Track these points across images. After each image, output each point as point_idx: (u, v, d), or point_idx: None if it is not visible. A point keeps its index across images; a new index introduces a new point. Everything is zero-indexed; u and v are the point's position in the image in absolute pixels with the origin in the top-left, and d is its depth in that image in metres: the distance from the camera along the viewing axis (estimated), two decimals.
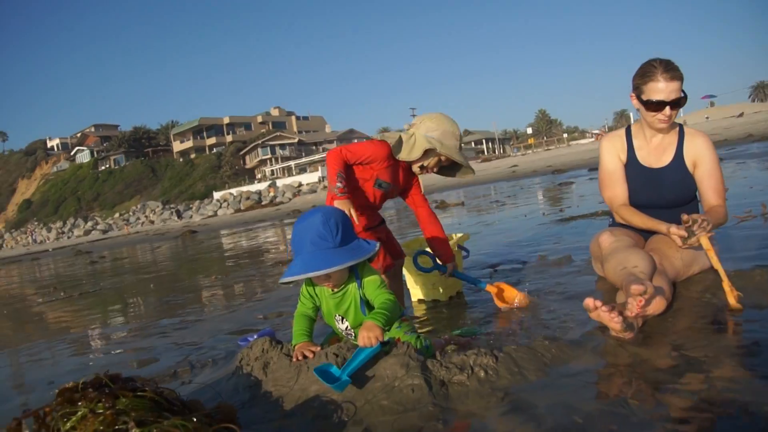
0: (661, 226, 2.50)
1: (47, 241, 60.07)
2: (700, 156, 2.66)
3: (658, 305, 2.09)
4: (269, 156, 73.12)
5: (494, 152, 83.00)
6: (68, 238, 59.61)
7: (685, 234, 2.33)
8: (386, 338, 2.17)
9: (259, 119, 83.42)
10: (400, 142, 2.67)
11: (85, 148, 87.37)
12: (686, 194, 2.74)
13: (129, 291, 6.87)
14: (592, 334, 2.10)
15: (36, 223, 74.83)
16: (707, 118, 45.33)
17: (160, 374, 2.78)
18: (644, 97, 2.55)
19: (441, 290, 3.19)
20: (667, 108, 2.51)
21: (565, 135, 77.37)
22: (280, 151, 74.49)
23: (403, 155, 2.66)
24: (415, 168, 2.79)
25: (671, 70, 2.48)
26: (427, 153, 2.71)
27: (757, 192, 5.35)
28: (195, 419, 1.65)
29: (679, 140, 2.72)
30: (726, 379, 1.60)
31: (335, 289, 2.06)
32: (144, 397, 1.77)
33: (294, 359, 2.04)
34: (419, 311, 3.14)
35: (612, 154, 2.83)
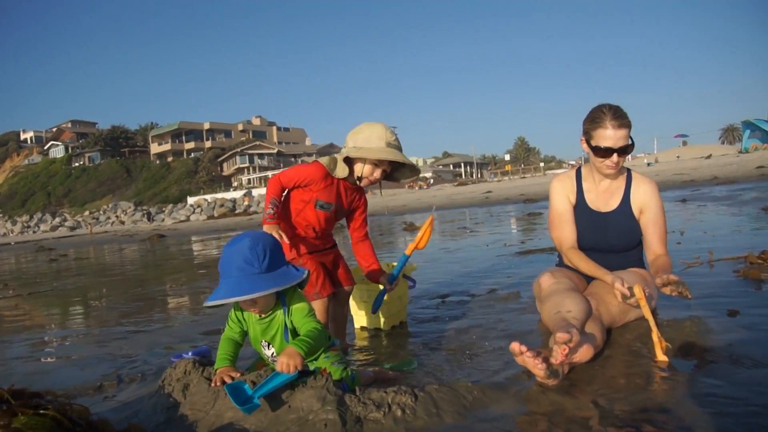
0: (606, 276, 2.52)
1: (11, 234, 58.44)
2: (645, 203, 2.72)
3: (585, 353, 2.09)
4: (247, 165, 72.68)
5: (472, 176, 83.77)
6: (33, 232, 58.10)
7: (627, 293, 2.35)
8: (312, 368, 2.15)
9: (240, 127, 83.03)
10: (332, 160, 2.66)
11: (60, 143, 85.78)
12: (632, 239, 2.78)
13: (81, 293, 6.69)
14: (518, 378, 2.09)
15: (0, 215, 72.89)
16: (678, 156, 46.65)
17: (85, 387, 2.69)
18: (593, 143, 2.60)
19: (383, 320, 3.16)
20: (615, 155, 2.56)
21: (542, 164, 78.56)
22: (259, 160, 74.11)
23: (335, 172, 2.66)
24: (360, 183, 2.75)
25: (619, 118, 2.54)
26: (356, 163, 2.69)
27: (709, 238, 5.46)
28: None
29: (626, 185, 2.78)
30: None
31: (262, 315, 2.02)
32: (45, 416, 1.71)
33: (213, 384, 1.99)
34: (360, 339, 3.10)
35: (562, 195, 2.87)
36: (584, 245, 2.79)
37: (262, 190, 57.72)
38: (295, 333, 2.03)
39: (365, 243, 2.94)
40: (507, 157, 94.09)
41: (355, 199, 2.85)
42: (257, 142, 76.14)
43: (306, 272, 1.96)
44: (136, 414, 2.21)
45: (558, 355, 1.92)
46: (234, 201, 53.93)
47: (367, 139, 2.65)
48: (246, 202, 52.22)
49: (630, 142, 2.58)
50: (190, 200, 59.97)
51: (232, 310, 2.13)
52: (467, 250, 6.87)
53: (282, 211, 2.72)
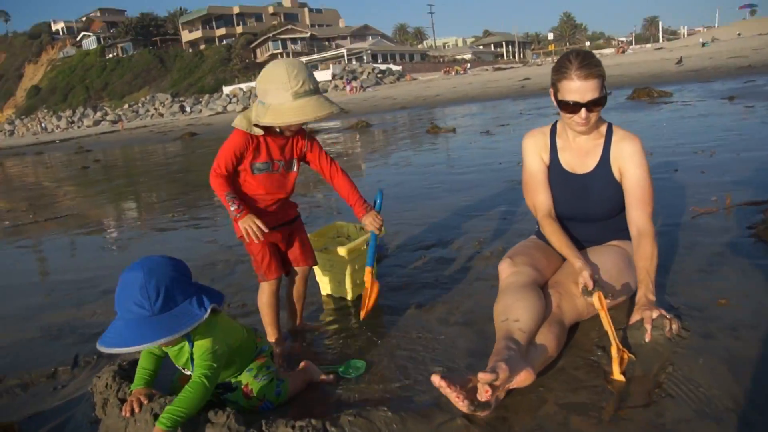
0: (576, 261, 2.24)
1: (57, 130, 60.12)
2: (626, 162, 2.35)
3: (524, 378, 1.87)
4: (280, 50, 70.89)
5: (514, 56, 79.79)
6: (78, 127, 59.64)
7: (590, 286, 2.09)
8: (233, 381, 2.02)
9: (271, 10, 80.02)
10: (246, 120, 2.31)
11: (91, 34, 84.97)
12: (613, 206, 2.45)
13: (93, 221, 6.76)
14: (448, 404, 1.90)
15: (45, 110, 74.46)
16: (739, 34, 42.09)
17: (39, 371, 2.63)
18: (559, 96, 2.25)
19: (348, 289, 2.99)
20: (583, 110, 2.19)
21: (588, 43, 73.52)
22: (292, 45, 72.11)
23: (252, 131, 2.31)
24: (285, 134, 2.40)
25: (586, 67, 2.15)
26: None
27: (741, 163, 4.89)
28: None
29: (605, 143, 2.41)
30: None
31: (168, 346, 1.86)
32: None
33: (125, 407, 1.88)
34: (322, 314, 2.95)
35: (533, 154, 2.53)
36: (560, 212, 2.49)
37: None
38: None
39: (339, 177, 2.55)
40: (550, 36, 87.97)
41: (293, 144, 2.46)
42: (289, 26, 73.58)
43: (206, 312, 1.74)
44: (68, 421, 2.16)
45: (482, 393, 1.72)
46: None
47: (267, 92, 2.22)
48: None
49: (602, 94, 2.20)
50: (226, 90, 59.54)
51: None
52: (476, 171, 6.50)
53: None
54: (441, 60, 73.43)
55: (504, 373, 1.76)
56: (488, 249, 3.50)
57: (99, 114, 64.33)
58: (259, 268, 2.47)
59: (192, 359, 1.83)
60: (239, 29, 76.36)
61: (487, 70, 48.60)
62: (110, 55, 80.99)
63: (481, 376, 1.72)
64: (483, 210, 4.54)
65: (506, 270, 2.37)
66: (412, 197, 5.47)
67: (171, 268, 1.75)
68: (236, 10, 77.35)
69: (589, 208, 2.46)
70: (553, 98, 2.34)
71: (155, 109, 60.46)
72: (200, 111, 52.01)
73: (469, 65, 63.21)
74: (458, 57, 75.68)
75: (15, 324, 3.29)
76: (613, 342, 1.97)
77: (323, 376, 2.22)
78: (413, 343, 2.44)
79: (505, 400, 1.88)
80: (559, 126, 2.50)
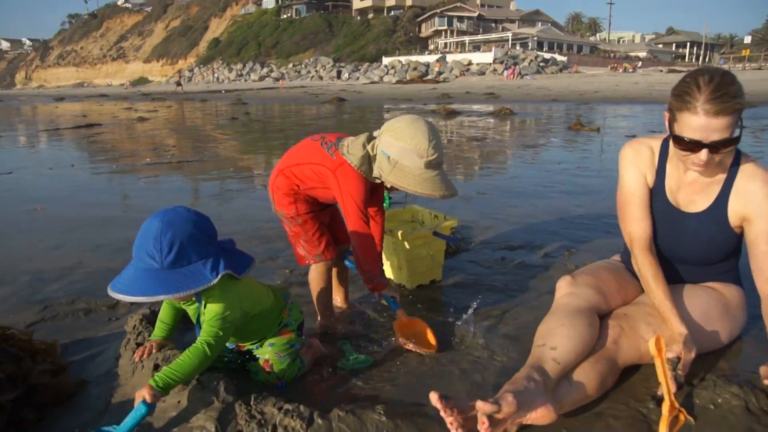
0: (672, 319, 1.85)
1: (226, 81, 65.59)
2: (755, 209, 1.88)
3: (541, 416, 1.63)
4: (445, 27, 70.68)
5: (697, 60, 72.34)
6: (245, 81, 64.57)
7: (691, 357, 1.78)
8: (256, 355, 1.99)
9: None
10: (363, 163, 2.16)
11: None
12: (720, 253, 2.04)
13: (223, 165, 7.23)
14: None
15: (221, 62, 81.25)
16: None
17: (105, 300, 2.72)
18: (676, 129, 1.80)
19: (407, 276, 2.84)
20: (704, 151, 1.75)
21: None
22: (458, 23, 71.50)
23: (368, 178, 2.20)
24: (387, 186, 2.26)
25: (719, 100, 1.67)
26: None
27: None
28: None
29: (728, 179, 1.95)
30: None
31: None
32: None
33: (136, 354, 1.93)
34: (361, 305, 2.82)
35: (635, 169, 2.08)
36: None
37: (457, 57, 56.16)
38: None
39: (377, 229, 2.48)
40: (748, 39, 77.90)
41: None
42: (458, 3, 72.81)
43: (215, 278, 1.65)
44: (102, 352, 2.26)
45: (479, 425, 1.51)
46: (427, 65, 53.40)
47: (403, 153, 2.06)
48: (437, 68, 51.40)
49: (734, 134, 1.72)
50: (385, 60, 60.74)
51: None
52: (601, 176, 5.94)
53: (305, 172, 2.28)
54: (611, 55, 68.60)
55: (509, 408, 1.53)
56: (575, 262, 3.16)
57: (265, 70, 69.07)
58: (315, 248, 2.35)
59: (198, 319, 1.80)
60: (408, 2, 77.05)
61: (661, 71, 44.48)
62: (284, 16, 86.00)
63: (479, 405, 1.51)
64: (590, 219, 4.12)
65: (562, 289, 2.09)
66: (520, 193, 5.13)
67: (192, 225, 1.67)
68: None
69: (688, 251, 2.06)
70: (666, 124, 1.89)
71: (316, 71, 63.46)
72: (357, 78, 53.65)
73: (640, 63, 58.39)
74: (631, 54, 70.25)
75: (109, 253, 3.55)
76: (666, 397, 1.65)
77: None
78: (447, 348, 2.25)
79: None
80: (671, 149, 2.02)
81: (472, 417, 1.57)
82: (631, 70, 48.81)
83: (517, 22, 73.78)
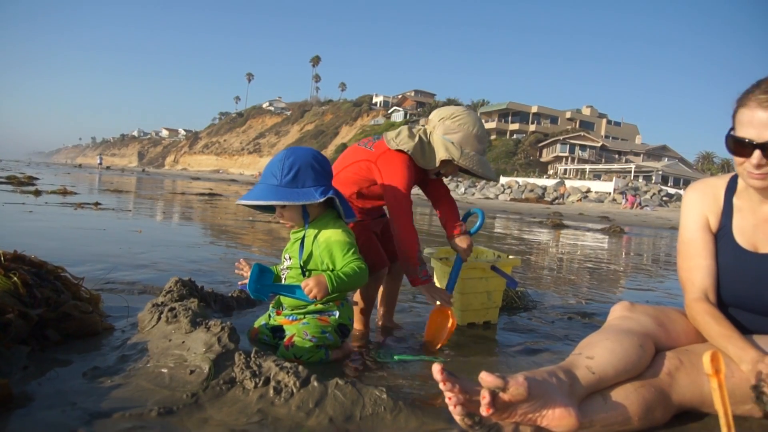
0: (747, 350, 1.56)
1: None
2: None
3: (559, 417, 1.41)
4: (567, 154, 70.79)
5: None
6: None
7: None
8: (287, 332, 2.03)
9: (568, 115, 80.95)
10: (417, 149, 2.26)
11: (401, 109, 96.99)
12: None
13: None
14: (452, 420, 1.53)
15: None
16: None
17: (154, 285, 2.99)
18: (733, 132, 1.65)
19: (458, 309, 2.70)
20: (757, 152, 1.55)
21: None
22: (580, 152, 71.40)
23: (420, 164, 2.29)
24: (431, 174, 2.38)
25: None
26: (444, 162, 2.30)
27: None
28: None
29: None
30: None
31: (292, 228, 2.06)
32: (9, 279, 1.92)
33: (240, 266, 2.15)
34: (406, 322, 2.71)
35: (697, 213, 1.89)
36: (724, 298, 1.82)
37: (576, 183, 55.54)
38: (310, 257, 1.98)
39: (446, 199, 2.53)
40: None
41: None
42: (582, 133, 73.24)
43: (327, 195, 1.90)
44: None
45: (481, 401, 1.34)
46: (545, 188, 53.19)
47: (466, 139, 2.27)
48: (562, 192, 50.82)
49: None
50: (503, 180, 61.44)
51: None
52: None
53: (347, 175, 2.37)
54: None
55: (516, 389, 1.35)
56: None
57: None
58: (366, 256, 2.35)
59: (301, 246, 1.99)
60: (532, 127, 78.78)
61: None
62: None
63: (483, 375, 1.35)
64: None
65: (616, 311, 1.87)
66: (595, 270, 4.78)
67: (311, 158, 1.95)
68: (534, 109, 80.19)
69: (761, 297, 1.76)
70: (725, 142, 1.69)
71: None
72: (473, 194, 54.51)
73: None
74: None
75: (183, 263, 3.83)
76: (724, 421, 1.37)
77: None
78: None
79: None
80: (740, 182, 1.84)
81: (476, 401, 1.40)
82: None
83: (642, 155, 72.37)
